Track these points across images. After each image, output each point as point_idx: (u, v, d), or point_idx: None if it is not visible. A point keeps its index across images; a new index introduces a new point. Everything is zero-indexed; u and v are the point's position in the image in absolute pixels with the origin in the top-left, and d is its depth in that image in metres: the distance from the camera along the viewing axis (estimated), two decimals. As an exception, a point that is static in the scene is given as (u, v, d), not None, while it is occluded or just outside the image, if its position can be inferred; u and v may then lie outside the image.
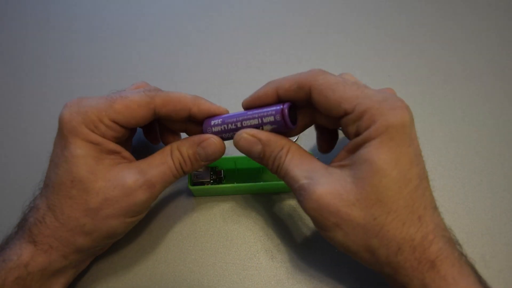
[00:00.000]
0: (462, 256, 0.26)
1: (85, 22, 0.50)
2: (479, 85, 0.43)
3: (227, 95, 0.43)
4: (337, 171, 0.26)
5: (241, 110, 0.30)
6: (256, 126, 0.28)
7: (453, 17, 0.49)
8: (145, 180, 0.29)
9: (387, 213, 0.24)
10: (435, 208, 0.26)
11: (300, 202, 0.27)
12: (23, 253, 0.27)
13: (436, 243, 0.25)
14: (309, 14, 0.50)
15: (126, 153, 0.30)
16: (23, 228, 0.28)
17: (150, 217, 0.36)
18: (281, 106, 0.27)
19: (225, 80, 0.45)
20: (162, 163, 0.29)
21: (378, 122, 0.24)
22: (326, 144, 0.33)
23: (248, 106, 0.29)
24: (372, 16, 0.49)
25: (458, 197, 0.37)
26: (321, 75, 0.26)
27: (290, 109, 0.27)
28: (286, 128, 0.27)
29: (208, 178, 0.35)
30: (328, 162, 0.28)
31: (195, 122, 0.32)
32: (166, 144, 0.34)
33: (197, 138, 0.30)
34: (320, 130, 0.33)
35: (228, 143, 0.31)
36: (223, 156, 0.31)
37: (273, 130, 0.28)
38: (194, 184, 0.35)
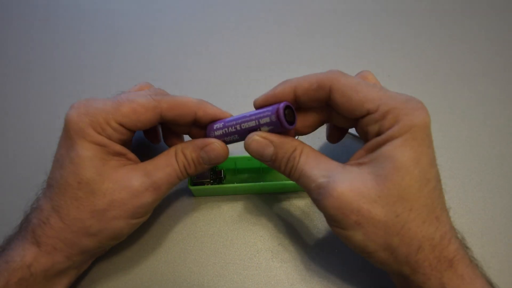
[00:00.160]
0: (473, 258, 0.26)
1: (89, 22, 0.50)
2: (479, 85, 0.43)
3: (227, 95, 0.43)
4: (355, 169, 0.26)
5: (242, 110, 0.30)
6: (254, 128, 0.28)
7: (453, 17, 0.49)
8: (152, 182, 0.29)
9: (409, 210, 0.24)
10: (447, 210, 0.26)
11: (318, 201, 0.26)
12: (26, 254, 0.27)
13: (453, 243, 0.25)
14: (309, 14, 0.50)
15: (131, 155, 0.31)
16: (26, 229, 0.28)
17: (150, 217, 0.36)
18: (277, 106, 0.26)
19: (225, 80, 0.45)
20: (167, 165, 0.30)
21: (402, 122, 0.24)
22: (337, 137, 0.34)
23: (262, 105, 0.29)
24: (372, 16, 0.49)
25: (458, 197, 0.37)
26: (342, 76, 0.26)
27: (286, 109, 0.27)
28: (283, 128, 0.27)
29: (208, 178, 0.35)
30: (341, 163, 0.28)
31: (199, 126, 0.32)
32: (169, 145, 0.34)
33: (200, 142, 0.30)
34: (331, 126, 0.33)
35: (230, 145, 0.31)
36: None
37: (270, 131, 0.28)
38: (194, 184, 0.35)
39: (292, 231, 0.36)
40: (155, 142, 0.37)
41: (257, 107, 0.29)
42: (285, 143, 0.28)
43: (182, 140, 0.35)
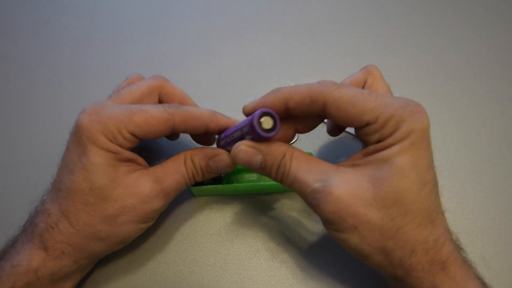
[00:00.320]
0: (467, 260, 0.26)
1: (90, 23, 0.50)
2: (479, 85, 0.44)
3: (227, 96, 0.43)
4: (350, 170, 0.26)
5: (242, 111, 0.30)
6: (240, 138, 0.28)
7: (454, 17, 0.49)
8: (161, 188, 0.30)
9: (404, 214, 0.24)
10: (443, 213, 0.26)
11: (314, 206, 0.26)
12: (34, 259, 0.27)
13: (447, 246, 0.25)
14: (309, 15, 0.50)
15: (141, 160, 0.31)
16: (33, 232, 0.28)
17: (150, 217, 0.36)
18: (252, 115, 0.25)
19: (225, 80, 0.45)
20: (176, 172, 0.30)
21: (401, 129, 0.24)
22: (337, 131, 0.34)
23: (251, 112, 0.28)
24: (372, 16, 0.49)
25: (458, 197, 0.37)
26: (336, 89, 0.25)
27: (262, 116, 0.25)
28: (261, 137, 0.26)
29: (208, 178, 0.35)
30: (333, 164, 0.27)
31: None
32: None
33: (210, 151, 0.31)
34: (331, 121, 0.33)
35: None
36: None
37: (253, 140, 0.27)
38: (194, 184, 0.35)
39: (292, 231, 0.36)
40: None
41: (246, 114, 0.28)
42: (273, 150, 0.27)
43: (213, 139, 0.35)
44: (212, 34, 0.48)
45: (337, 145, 0.40)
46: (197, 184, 0.35)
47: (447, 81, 0.44)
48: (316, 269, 0.34)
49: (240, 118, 0.30)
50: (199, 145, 0.39)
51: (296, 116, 0.28)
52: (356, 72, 0.32)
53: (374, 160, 0.25)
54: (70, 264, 0.28)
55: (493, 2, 0.50)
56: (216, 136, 0.33)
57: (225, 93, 0.44)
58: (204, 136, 0.34)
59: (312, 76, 0.45)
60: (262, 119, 0.25)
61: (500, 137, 0.40)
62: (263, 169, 0.28)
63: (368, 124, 0.25)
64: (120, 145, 0.28)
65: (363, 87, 0.32)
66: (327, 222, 0.26)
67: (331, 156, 0.39)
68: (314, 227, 0.36)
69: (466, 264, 0.26)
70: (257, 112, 0.25)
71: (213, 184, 0.35)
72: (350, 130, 0.39)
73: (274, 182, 0.36)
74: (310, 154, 0.35)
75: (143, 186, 0.29)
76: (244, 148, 0.27)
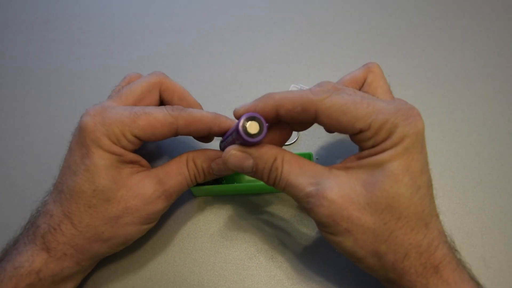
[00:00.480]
0: (461, 262, 0.26)
1: (90, 23, 0.50)
2: (479, 85, 0.43)
3: (227, 96, 0.43)
4: (343, 173, 0.26)
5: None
6: (233, 142, 0.27)
7: (453, 17, 0.49)
8: (164, 190, 0.30)
9: (397, 218, 0.24)
10: (437, 216, 0.26)
11: (308, 210, 0.26)
12: (36, 260, 0.27)
13: (440, 249, 0.25)
14: (309, 15, 0.50)
15: (144, 161, 0.31)
16: (35, 233, 0.28)
17: (150, 217, 0.36)
18: (238, 121, 0.25)
19: (225, 80, 0.45)
20: (179, 174, 0.30)
21: (394, 134, 0.24)
22: None
23: (240, 116, 0.27)
24: (372, 16, 0.49)
25: (458, 197, 0.37)
26: (327, 97, 0.25)
27: (248, 120, 0.25)
28: (246, 142, 0.26)
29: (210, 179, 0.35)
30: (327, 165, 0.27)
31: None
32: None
33: (212, 153, 0.31)
34: None
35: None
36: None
37: (242, 145, 0.27)
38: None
39: (292, 230, 0.36)
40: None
41: (237, 118, 0.28)
42: (264, 153, 0.27)
43: None
44: (212, 34, 0.48)
45: (337, 145, 0.40)
46: (198, 184, 0.35)
47: (447, 81, 0.44)
48: (317, 269, 0.34)
49: None
50: (200, 146, 0.39)
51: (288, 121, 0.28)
52: (356, 69, 0.32)
53: (367, 164, 0.25)
54: (72, 266, 0.28)
55: (493, 2, 0.49)
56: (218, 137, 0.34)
57: (225, 93, 0.44)
58: (205, 136, 0.34)
59: (312, 76, 0.45)
60: (248, 124, 0.25)
61: (500, 137, 0.40)
62: (255, 173, 0.28)
63: (361, 131, 0.25)
64: (124, 147, 0.28)
65: (363, 84, 0.32)
66: (321, 225, 0.26)
67: (331, 156, 0.39)
68: (314, 227, 0.36)
69: (460, 266, 0.26)
70: (242, 117, 0.25)
71: (213, 184, 0.35)
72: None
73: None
74: (310, 154, 0.35)
75: (146, 188, 0.29)
76: (234, 152, 0.27)
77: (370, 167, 0.25)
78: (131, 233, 0.30)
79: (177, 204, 0.37)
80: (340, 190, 0.25)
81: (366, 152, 0.25)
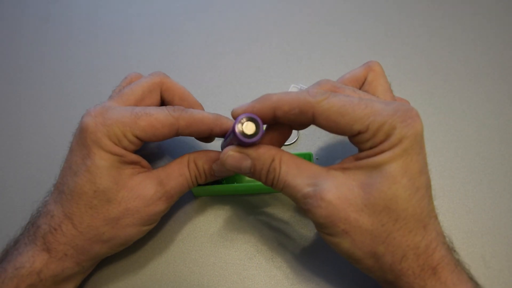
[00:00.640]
0: (460, 263, 0.26)
1: (86, 22, 0.50)
2: (479, 85, 0.43)
3: (227, 95, 0.43)
4: (340, 174, 0.26)
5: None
6: (231, 143, 0.27)
7: (454, 17, 0.49)
8: (165, 191, 0.30)
9: (395, 220, 0.24)
10: (436, 217, 0.26)
11: (306, 210, 0.26)
12: (36, 261, 0.27)
13: (438, 251, 0.25)
14: (309, 15, 0.50)
15: (145, 162, 0.31)
16: (35, 234, 0.28)
17: (150, 217, 0.36)
18: (235, 122, 0.25)
19: (225, 80, 0.45)
20: (180, 175, 0.30)
21: (392, 136, 0.24)
22: None
23: (237, 116, 0.27)
24: (372, 16, 0.49)
25: (458, 197, 0.37)
26: (325, 99, 0.25)
27: (245, 121, 0.25)
28: (242, 143, 0.26)
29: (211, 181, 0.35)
30: (325, 165, 0.27)
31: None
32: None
33: (214, 155, 0.31)
34: None
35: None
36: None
37: (239, 145, 0.27)
38: (194, 184, 0.35)
39: (292, 231, 0.36)
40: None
41: (235, 118, 0.28)
42: (262, 154, 0.26)
43: None
44: (212, 34, 0.48)
45: (337, 145, 0.40)
46: (198, 185, 0.35)
47: (447, 81, 0.44)
48: (317, 269, 0.34)
49: None
50: (201, 146, 0.39)
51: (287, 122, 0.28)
52: (357, 68, 0.32)
53: (365, 165, 0.25)
54: (72, 266, 0.28)
55: (493, 2, 0.49)
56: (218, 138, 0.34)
57: (225, 93, 0.44)
58: (206, 136, 0.34)
59: (312, 76, 0.45)
60: (244, 125, 0.25)
61: (500, 137, 0.40)
62: (252, 174, 0.27)
63: (359, 133, 0.24)
64: (125, 148, 0.28)
65: (363, 83, 0.32)
66: (319, 226, 0.26)
67: (331, 156, 0.39)
68: (314, 227, 0.35)
69: (459, 267, 0.26)
70: (239, 118, 0.25)
71: (213, 184, 0.35)
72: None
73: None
74: (310, 154, 0.35)
75: (147, 189, 0.29)
76: (232, 153, 0.27)
77: (368, 168, 0.25)
78: (131, 234, 0.30)
79: (177, 204, 0.37)
80: (337, 191, 0.25)
81: (364, 154, 0.25)
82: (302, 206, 0.26)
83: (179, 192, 0.31)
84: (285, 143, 0.40)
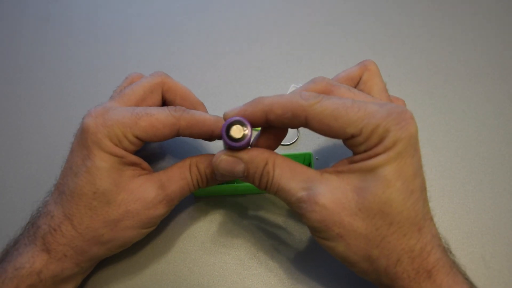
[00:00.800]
0: (455, 265, 0.26)
1: (86, 22, 0.50)
2: (480, 85, 0.43)
3: (227, 95, 0.43)
4: (334, 177, 0.25)
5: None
6: (225, 146, 0.27)
7: (454, 17, 0.49)
8: (166, 195, 0.30)
9: (389, 224, 0.24)
10: (431, 219, 0.26)
11: (301, 215, 0.26)
12: (36, 261, 0.27)
13: (433, 254, 0.25)
14: (309, 14, 0.50)
15: (145, 164, 0.31)
16: (35, 234, 0.28)
17: (150, 217, 0.36)
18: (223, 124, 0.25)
19: (225, 80, 0.45)
20: (181, 179, 0.30)
21: (386, 139, 0.23)
22: None
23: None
24: (372, 16, 0.49)
25: (458, 197, 0.37)
26: (317, 102, 0.24)
27: (233, 125, 0.25)
28: (231, 146, 0.25)
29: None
30: (322, 167, 0.27)
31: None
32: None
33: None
34: None
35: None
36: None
37: (231, 149, 0.27)
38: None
39: (293, 230, 0.36)
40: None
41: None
42: (255, 157, 0.26)
43: None
44: (212, 34, 0.48)
45: (337, 145, 0.40)
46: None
47: (447, 81, 0.44)
48: (317, 269, 0.34)
49: None
50: (202, 146, 0.39)
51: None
52: (352, 67, 0.32)
53: (359, 169, 0.25)
54: (72, 267, 0.28)
55: (493, 2, 0.49)
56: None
57: (225, 93, 0.44)
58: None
59: (312, 76, 0.44)
60: (233, 128, 0.25)
61: (499, 137, 0.40)
62: (246, 178, 0.27)
63: (352, 136, 0.24)
64: (125, 149, 0.28)
65: (358, 82, 0.31)
66: (313, 230, 0.26)
67: (331, 156, 0.39)
68: (314, 227, 0.36)
69: (454, 269, 0.26)
70: (227, 121, 0.25)
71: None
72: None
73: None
74: (310, 154, 0.35)
75: (147, 192, 0.29)
76: (225, 157, 0.26)
77: (362, 172, 0.24)
78: (130, 236, 0.30)
79: (177, 204, 0.37)
80: (331, 195, 0.24)
81: (358, 157, 0.25)
82: (296, 210, 0.26)
83: (180, 196, 0.30)
84: (285, 143, 0.40)
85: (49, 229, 0.28)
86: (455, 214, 0.36)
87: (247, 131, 0.25)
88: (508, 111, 0.42)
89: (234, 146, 0.25)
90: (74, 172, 0.28)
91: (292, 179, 0.26)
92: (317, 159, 0.39)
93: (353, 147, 0.25)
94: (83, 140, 0.28)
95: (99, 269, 0.34)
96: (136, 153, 0.30)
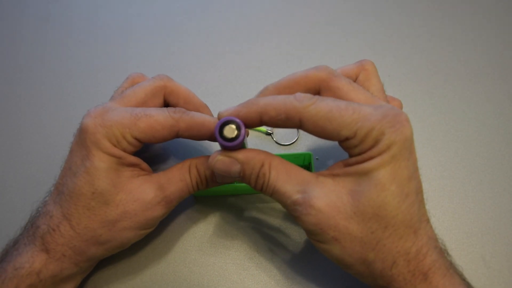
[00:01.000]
0: (452, 266, 0.26)
1: (86, 22, 0.50)
2: (479, 85, 0.43)
3: (227, 96, 0.43)
4: (330, 180, 0.25)
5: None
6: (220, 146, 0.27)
7: (454, 17, 0.49)
8: (164, 196, 0.29)
9: (385, 227, 0.24)
10: (427, 221, 0.26)
11: (296, 217, 0.26)
12: (36, 261, 0.27)
13: (429, 256, 0.25)
14: (309, 14, 0.50)
15: (144, 165, 0.31)
16: (34, 234, 0.28)
17: (150, 217, 0.36)
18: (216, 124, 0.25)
19: (225, 80, 0.45)
20: (180, 180, 0.30)
21: (381, 142, 0.23)
22: None
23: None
24: (372, 16, 0.49)
25: (458, 197, 0.37)
26: (312, 104, 0.24)
27: (226, 124, 0.25)
28: (223, 146, 0.26)
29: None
30: (323, 167, 0.27)
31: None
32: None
33: None
34: None
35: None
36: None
37: (226, 149, 0.26)
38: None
39: (293, 231, 0.36)
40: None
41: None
42: (251, 159, 0.26)
43: None
44: (212, 34, 0.48)
45: (337, 145, 0.40)
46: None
47: (447, 81, 0.44)
48: (317, 268, 0.34)
49: None
50: (203, 146, 0.39)
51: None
52: (350, 64, 0.32)
53: (354, 172, 0.24)
54: (71, 267, 0.29)
55: (493, 2, 0.49)
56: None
57: (225, 93, 0.44)
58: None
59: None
60: (226, 128, 0.25)
61: (499, 137, 0.40)
62: (242, 179, 0.27)
63: (347, 139, 0.24)
64: (124, 150, 0.28)
65: (354, 81, 0.31)
66: (308, 232, 0.26)
67: (331, 156, 0.39)
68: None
69: (451, 271, 0.25)
70: (219, 122, 0.25)
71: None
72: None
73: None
74: (310, 154, 0.35)
75: (146, 193, 0.29)
76: (221, 158, 0.26)
77: (357, 175, 0.24)
78: (128, 237, 0.29)
79: (177, 205, 0.37)
80: (327, 199, 0.24)
81: (353, 160, 0.25)
82: (292, 213, 0.26)
83: (178, 198, 0.30)
84: (285, 143, 0.40)
85: (48, 229, 0.28)
86: (455, 214, 0.36)
87: (241, 131, 0.25)
88: (508, 111, 0.42)
89: (227, 145, 0.25)
90: (73, 172, 0.28)
91: (288, 182, 0.26)
92: (317, 159, 0.39)
93: (348, 149, 0.25)
94: (82, 140, 0.28)
95: (99, 269, 0.34)
96: (139, 154, 0.30)
